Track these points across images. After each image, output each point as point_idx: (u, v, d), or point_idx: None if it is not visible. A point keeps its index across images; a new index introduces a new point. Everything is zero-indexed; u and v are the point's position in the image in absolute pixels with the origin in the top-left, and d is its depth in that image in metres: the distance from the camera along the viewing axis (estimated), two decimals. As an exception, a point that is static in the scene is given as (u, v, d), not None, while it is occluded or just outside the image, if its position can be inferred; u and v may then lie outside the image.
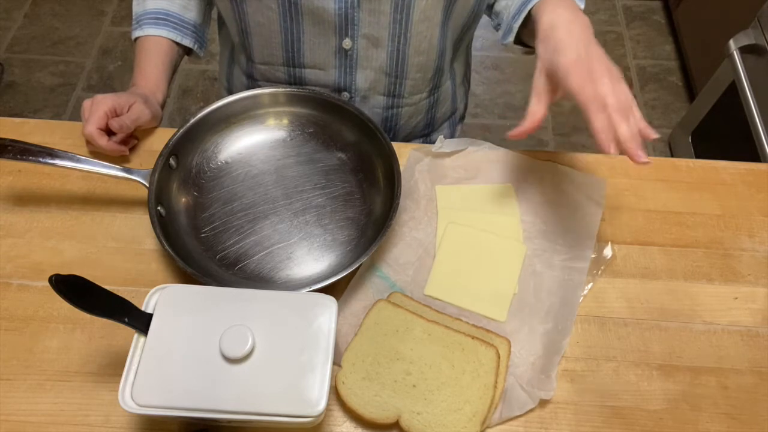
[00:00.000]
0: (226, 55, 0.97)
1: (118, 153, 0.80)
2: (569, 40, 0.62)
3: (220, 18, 0.94)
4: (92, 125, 0.76)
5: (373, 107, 0.90)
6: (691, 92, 2.03)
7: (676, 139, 1.89)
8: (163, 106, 0.86)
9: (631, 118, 0.59)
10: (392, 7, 0.77)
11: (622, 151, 0.59)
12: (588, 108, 0.59)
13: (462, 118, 1.09)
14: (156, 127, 0.85)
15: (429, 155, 0.82)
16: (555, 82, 0.63)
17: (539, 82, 0.64)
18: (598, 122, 0.58)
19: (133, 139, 0.82)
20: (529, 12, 0.72)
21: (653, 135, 0.60)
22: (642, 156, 0.58)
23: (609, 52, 0.64)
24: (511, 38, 0.80)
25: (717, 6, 1.84)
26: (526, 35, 0.77)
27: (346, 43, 0.81)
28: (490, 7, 0.87)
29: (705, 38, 1.91)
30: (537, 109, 0.63)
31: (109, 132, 0.78)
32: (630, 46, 2.21)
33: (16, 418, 0.62)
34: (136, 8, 0.88)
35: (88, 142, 0.80)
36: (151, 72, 0.86)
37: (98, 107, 0.77)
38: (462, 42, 0.92)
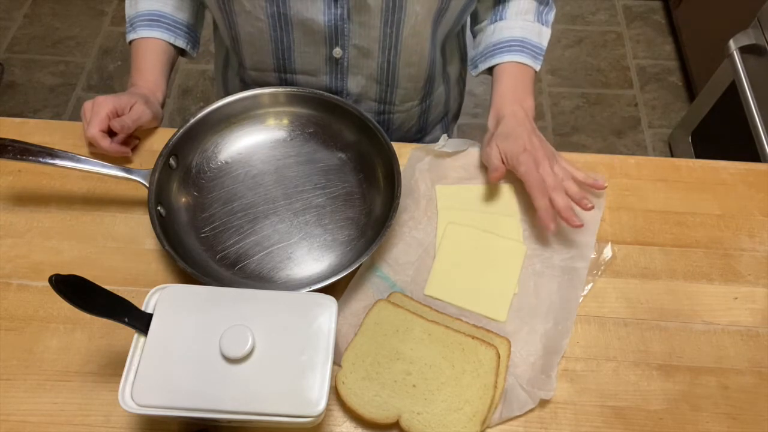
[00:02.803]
0: (221, 58, 0.97)
1: (121, 154, 0.80)
2: (519, 130, 0.76)
3: (215, 22, 0.94)
4: (94, 128, 0.76)
5: (365, 111, 0.90)
6: (691, 92, 2.03)
7: (676, 139, 1.89)
8: (163, 105, 0.86)
9: (568, 189, 0.73)
10: (382, 21, 0.77)
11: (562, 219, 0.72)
12: (533, 191, 0.72)
13: (456, 117, 1.09)
14: (156, 127, 0.85)
15: (430, 154, 0.82)
16: (505, 161, 0.76)
17: (494, 159, 0.76)
18: (541, 203, 0.72)
19: (134, 139, 0.82)
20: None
21: (588, 205, 0.72)
22: (575, 221, 0.71)
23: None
24: (475, 74, 0.91)
25: (717, 6, 1.84)
26: (489, 71, 0.89)
27: (337, 52, 0.81)
28: (473, 32, 0.93)
29: (705, 38, 1.91)
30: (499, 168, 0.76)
31: (111, 133, 0.78)
32: (630, 46, 2.21)
33: (16, 418, 0.62)
34: (129, 11, 0.88)
35: (90, 144, 0.80)
36: (150, 72, 0.85)
37: (99, 109, 0.76)
38: (450, 44, 0.92)
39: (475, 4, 0.85)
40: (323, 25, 0.77)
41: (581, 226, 0.72)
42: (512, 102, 0.81)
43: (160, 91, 0.85)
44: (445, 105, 1.01)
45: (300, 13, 0.76)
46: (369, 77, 0.85)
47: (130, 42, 0.87)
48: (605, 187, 0.77)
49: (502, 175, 0.76)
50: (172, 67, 0.89)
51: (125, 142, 0.80)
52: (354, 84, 0.86)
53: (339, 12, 0.76)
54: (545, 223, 0.71)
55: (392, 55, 0.82)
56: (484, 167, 0.81)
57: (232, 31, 0.83)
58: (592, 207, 0.72)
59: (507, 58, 0.84)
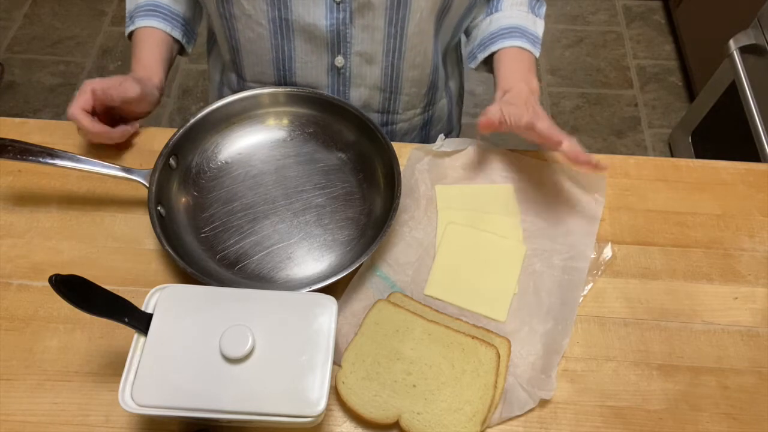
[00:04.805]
0: (217, 79, 0.96)
1: (105, 136, 0.77)
2: (524, 102, 0.75)
3: (211, 39, 0.93)
4: (76, 106, 0.73)
5: None
6: (691, 92, 2.03)
7: (676, 139, 1.89)
8: (161, 91, 0.84)
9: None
10: (386, 22, 0.76)
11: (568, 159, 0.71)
12: (547, 132, 0.70)
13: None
14: (156, 127, 0.85)
15: (430, 154, 0.82)
16: (507, 120, 0.73)
17: (494, 111, 0.74)
18: (543, 125, 0.69)
19: (123, 123, 0.80)
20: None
21: (588, 159, 0.69)
22: (593, 159, 0.68)
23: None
24: (474, 65, 0.89)
25: (717, 6, 1.84)
26: (488, 65, 0.88)
27: (339, 61, 0.80)
28: (466, 31, 0.92)
29: (705, 38, 1.92)
30: (494, 112, 0.73)
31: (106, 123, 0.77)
32: (630, 46, 2.21)
33: (16, 418, 0.62)
34: (129, 5, 0.88)
35: (90, 143, 0.80)
36: (146, 58, 0.84)
37: (85, 87, 0.74)
38: (450, 58, 0.92)
39: (475, 9, 0.85)
40: (325, 31, 0.77)
41: (602, 166, 0.70)
42: (518, 80, 0.80)
43: (156, 77, 0.83)
44: (448, 121, 1.01)
45: (302, 18, 0.76)
46: (372, 87, 0.84)
47: (130, 35, 0.87)
48: (607, 168, 0.73)
49: (492, 125, 0.73)
50: (170, 59, 0.88)
51: (114, 126, 0.78)
52: (356, 96, 0.85)
53: (341, 16, 0.75)
54: (554, 137, 0.69)
55: (396, 58, 0.81)
56: (484, 167, 0.81)
57: (232, 39, 0.82)
58: (592, 162, 0.70)
59: (507, 43, 0.84)
